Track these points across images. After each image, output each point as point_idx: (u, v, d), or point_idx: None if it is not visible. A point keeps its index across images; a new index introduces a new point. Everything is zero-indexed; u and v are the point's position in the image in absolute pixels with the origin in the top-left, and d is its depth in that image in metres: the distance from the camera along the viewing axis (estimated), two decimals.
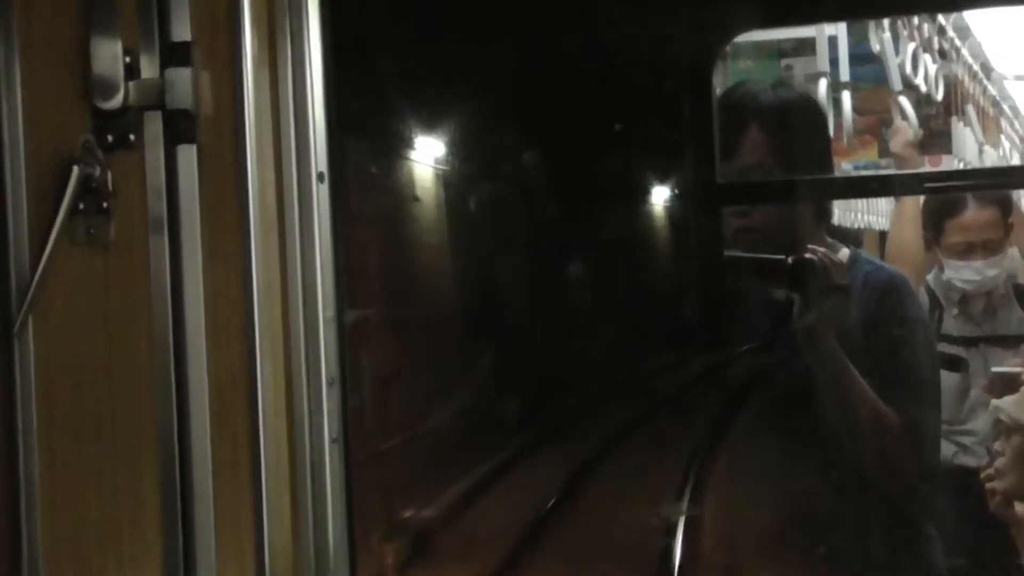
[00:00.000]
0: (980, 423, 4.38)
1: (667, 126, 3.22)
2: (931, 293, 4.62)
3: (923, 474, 3.18)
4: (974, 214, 4.48)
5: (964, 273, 4.52)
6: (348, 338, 1.78)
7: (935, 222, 4.59)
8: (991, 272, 4.53)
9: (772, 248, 3.01)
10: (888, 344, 3.05)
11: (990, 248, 4.51)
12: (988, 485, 3.19)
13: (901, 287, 3.19)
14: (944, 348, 4.44)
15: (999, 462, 3.21)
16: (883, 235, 5.98)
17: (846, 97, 5.15)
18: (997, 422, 3.22)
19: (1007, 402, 3.17)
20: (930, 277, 4.62)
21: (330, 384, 1.75)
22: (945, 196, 4.42)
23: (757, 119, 3.08)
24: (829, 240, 3.20)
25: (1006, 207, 4.58)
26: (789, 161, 3.08)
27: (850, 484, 3.01)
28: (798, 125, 3.17)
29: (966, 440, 4.49)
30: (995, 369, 4.03)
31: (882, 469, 3.07)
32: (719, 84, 3.95)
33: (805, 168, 3.14)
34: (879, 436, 2.99)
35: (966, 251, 4.52)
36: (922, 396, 3.12)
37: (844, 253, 3.16)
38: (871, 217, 6.23)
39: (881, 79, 5.41)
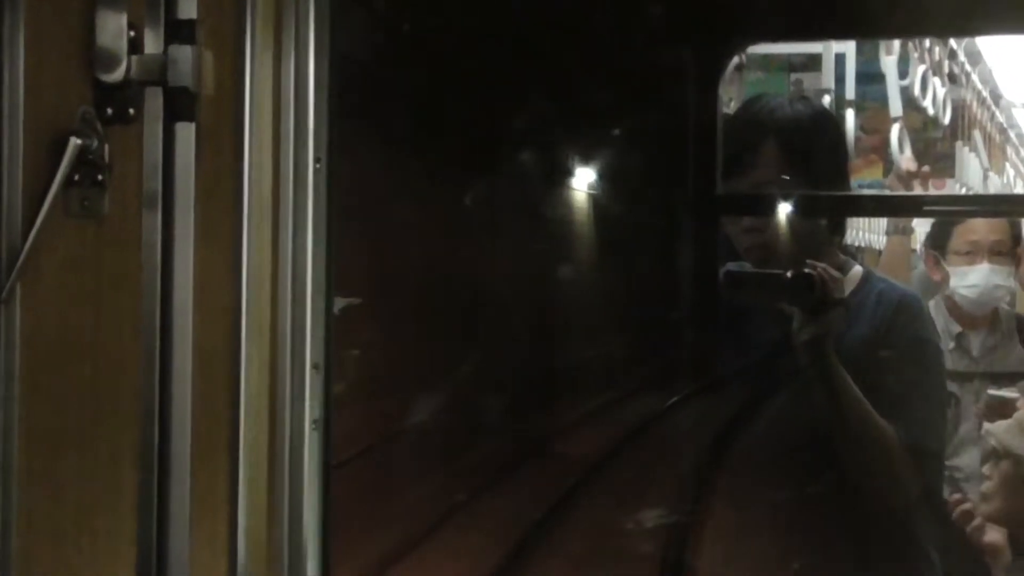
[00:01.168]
0: (968, 459, 4.37)
1: (668, 133, 3.20)
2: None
3: (926, 495, 3.17)
4: (982, 219, 4.45)
5: (970, 277, 4.49)
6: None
7: (943, 233, 4.55)
8: (997, 279, 4.50)
9: (784, 266, 3.00)
10: (898, 362, 3.04)
11: (996, 252, 4.48)
12: (958, 509, 3.19)
13: (913, 306, 3.17)
14: None
15: (985, 486, 3.21)
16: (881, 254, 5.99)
17: (850, 115, 5.14)
18: (992, 450, 3.23)
19: (999, 427, 3.18)
20: (931, 304, 4.57)
21: (314, 369, 1.75)
22: None
23: (775, 134, 3.06)
24: (842, 258, 3.19)
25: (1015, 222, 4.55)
26: (806, 177, 3.07)
27: (849, 504, 3.02)
28: (817, 141, 3.16)
29: (953, 476, 4.47)
30: (991, 391, 4.02)
31: (882, 488, 3.06)
32: (734, 95, 3.95)
33: (822, 185, 3.13)
34: (880, 454, 2.99)
35: (973, 254, 4.49)
36: (930, 416, 3.11)
37: (857, 271, 3.16)
38: (871, 236, 6.24)
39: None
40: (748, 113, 3.29)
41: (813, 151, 3.11)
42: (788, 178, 3.05)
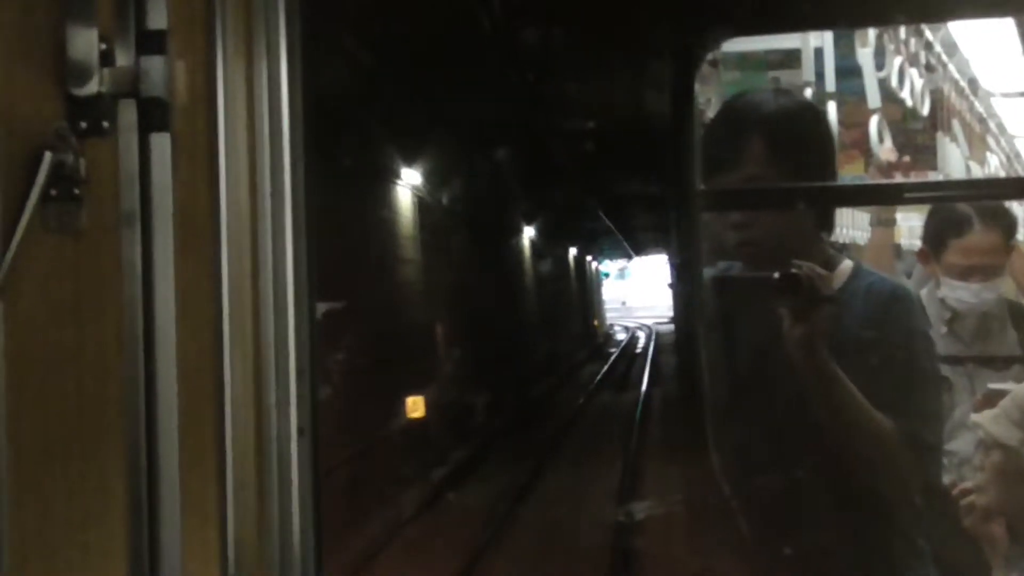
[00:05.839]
0: (961, 443, 4.37)
1: (646, 131, 3.21)
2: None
3: (923, 486, 3.17)
4: (979, 237, 4.43)
5: (960, 293, 4.49)
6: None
7: (938, 238, 4.54)
8: (988, 295, 4.51)
9: (772, 260, 3.00)
10: (891, 355, 3.04)
11: (990, 272, 4.48)
12: (964, 501, 3.18)
13: (904, 298, 3.17)
14: None
15: (978, 478, 3.20)
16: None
17: (831, 108, 5.14)
18: (983, 440, 3.21)
19: (985, 417, 3.16)
20: (924, 292, 4.57)
21: (299, 375, 1.75)
22: (951, 214, 4.41)
23: (760, 129, 3.06)
24: (831, 252, 3.19)
25: (1010, 231, 4.54)
26: (794, 171, 3.06)
27: (844, 496, 3.02)
28: (802, 134, 3.15)
29: (945, 460, 4.45)
30: (991, 385, 4.02)
31: (879, 482, 3.06)
32: (713, 94, 3.95)
33: (810, 178, 3.12)
34: (876, 448, 2.99)
35: (966, 272, 4.48)
36: (925, 408, 3.10)
37: (847, 265, 3.16)
38: (854, 232, 6.26)
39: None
40: (733, 109, 3.29)
41: (799, 144, 3.11)
42: (776, 172, 3.04)
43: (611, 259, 54.63)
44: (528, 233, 27.87)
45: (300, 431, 1.75)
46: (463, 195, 18.44)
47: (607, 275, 58.87)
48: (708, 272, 3.28)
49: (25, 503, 1.66)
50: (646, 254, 49.28)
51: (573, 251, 38.84)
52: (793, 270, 2.95)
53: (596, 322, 46.62)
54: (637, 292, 64.49)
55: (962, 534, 3.25)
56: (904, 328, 3.10)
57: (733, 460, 3.20)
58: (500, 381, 19.58)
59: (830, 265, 3.11)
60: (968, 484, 3.22)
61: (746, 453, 3.17)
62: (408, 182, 14.77)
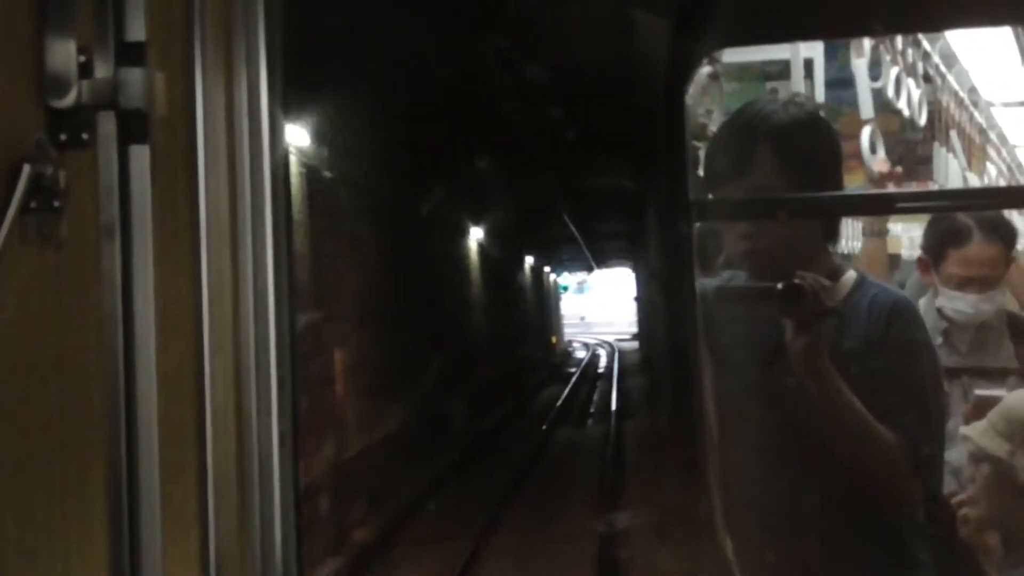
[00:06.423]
0: (955, 454, 4.37)
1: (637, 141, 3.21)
2: None
3: (924, 498, 3.16)
4: (979, 248, 4.44)
5: (958, 304, 4.48)
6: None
7: (938, 247, 4.54)
8: (985, 307, 4.50)
9: (780, 270, 2.99)
10: (893, 366, 3.03)
11: (988, 283, 4.48)
12: (960, 512, 3.18)
13: (906, 310, 3.17)
14: None
15: (970, 489, 3.20)
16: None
17: None
18: (972, 453, 3.22)
19: (974, 430, 3.17)
20: (921, 302, 4.56)
21: (279, 385, 1.75)
22: (952, 224, 4.41)
23: (770, 139, 3.06)
24: (836, 263, 3.19)
25: (1010, 243, 4.54)
26: (802, 181, 3.06)
27: (845, 507, 3.01)
28: (812, 144, 3.15)
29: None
30: (978, 392, 4.02)
31: (881, 493, 3.06)
32: (713, 105, 3.95)
33: (817, 188, 3.12)
34: (878, 459, 2.98)
35: (964, 283, 4.48)
36: (926, 419, 3.10)
37: (850, 276, 3.16)
38: (847, 242, 6.27)
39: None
40: (742, 119, 3.29)
41: (808, 154, 3.11)
42: (784, 183, 3.04)
43: (570, 271, 53.23)
44: (476, 234, 23.83)
45: (281, 439, 1.75)
46: (382, 172, 13.87)
47: (566, 288, 57.89)
48: (711, 282, 3.27)
49: (6, 510, 1.67)
50: (609, 266, 47.95)
51: (530, 260, 35.46)
52: (796, 280, 2.95)
53: (555, 339, 44.38)
54: (596, 307, 63.63)
55: (961, 544, 3.25)
56: (907, 340, 3.10)
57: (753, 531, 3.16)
58: (435, 416, 15.65)
59: (836, 275, 3.11)
60: (963, 496, 3.22)
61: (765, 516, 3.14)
62: (292, 144, 10.44)
